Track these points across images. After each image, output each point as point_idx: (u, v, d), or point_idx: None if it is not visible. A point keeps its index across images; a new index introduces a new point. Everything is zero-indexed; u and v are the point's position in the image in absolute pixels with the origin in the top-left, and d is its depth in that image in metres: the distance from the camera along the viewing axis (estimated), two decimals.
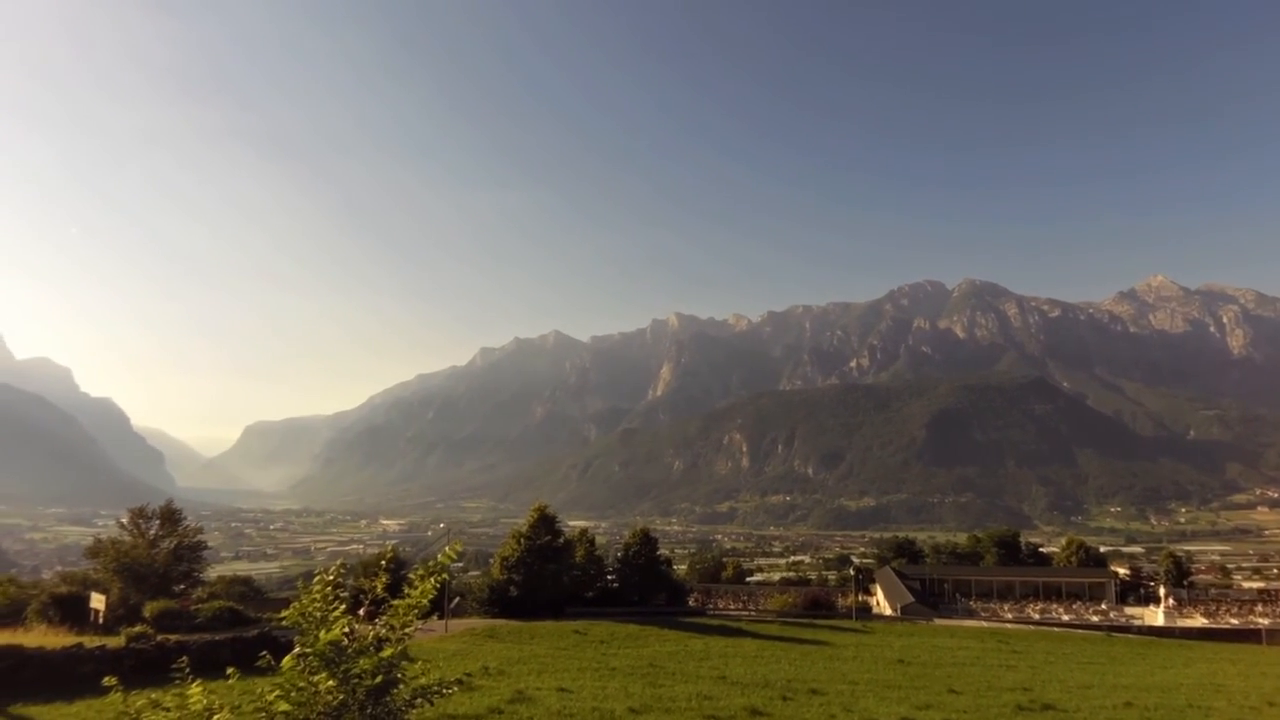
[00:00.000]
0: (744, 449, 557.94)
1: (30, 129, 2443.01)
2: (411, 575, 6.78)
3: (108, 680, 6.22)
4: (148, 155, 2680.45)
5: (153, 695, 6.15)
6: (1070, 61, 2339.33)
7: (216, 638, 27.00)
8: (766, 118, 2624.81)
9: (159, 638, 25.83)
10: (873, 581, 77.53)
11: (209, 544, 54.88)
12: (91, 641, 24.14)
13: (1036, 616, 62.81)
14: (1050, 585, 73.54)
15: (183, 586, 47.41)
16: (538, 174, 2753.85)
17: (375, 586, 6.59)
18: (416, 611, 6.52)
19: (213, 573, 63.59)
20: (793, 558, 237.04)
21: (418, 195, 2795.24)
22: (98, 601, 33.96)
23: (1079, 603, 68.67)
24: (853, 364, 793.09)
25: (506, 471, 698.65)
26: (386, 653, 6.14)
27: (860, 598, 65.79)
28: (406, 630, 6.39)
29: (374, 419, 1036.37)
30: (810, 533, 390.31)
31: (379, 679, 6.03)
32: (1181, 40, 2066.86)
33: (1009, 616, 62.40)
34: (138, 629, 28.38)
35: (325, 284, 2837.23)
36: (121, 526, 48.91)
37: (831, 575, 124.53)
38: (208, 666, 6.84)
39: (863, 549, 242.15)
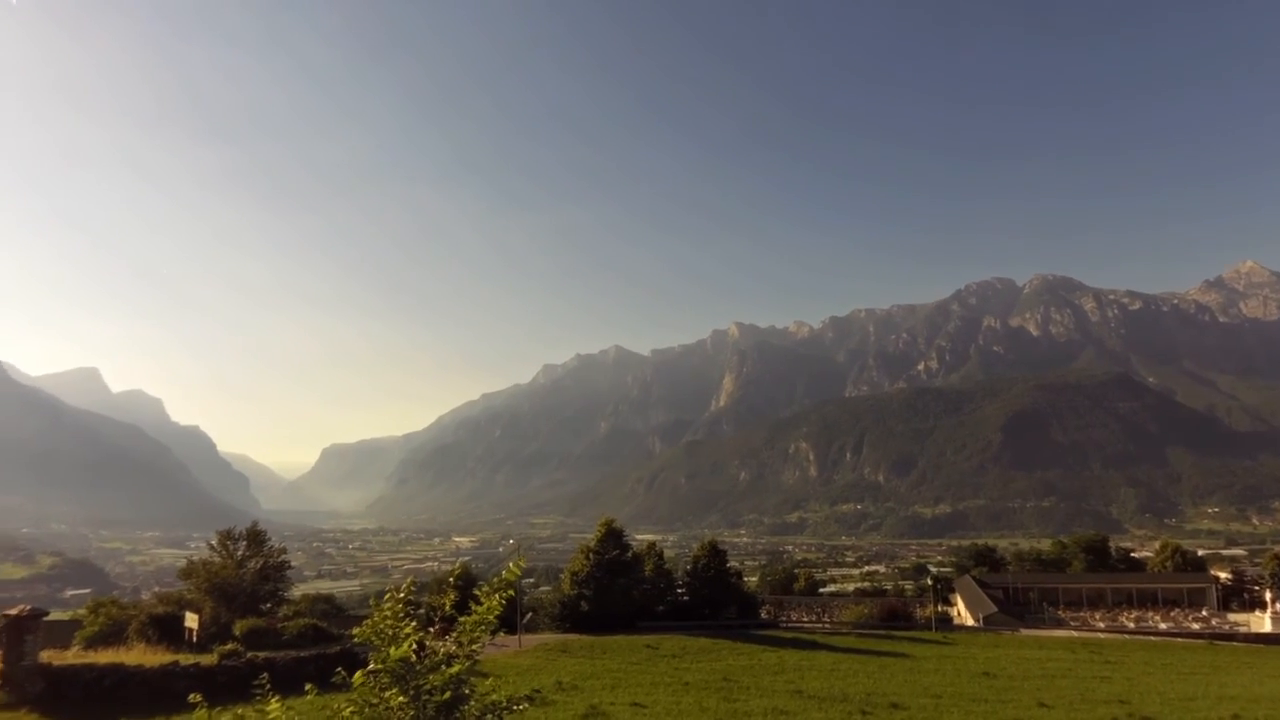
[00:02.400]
0: (811, 457, 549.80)
1: (138, 177, 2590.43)
2: (478, 592, 6.85)
3: (193, 697, 6.48)
4: (225, 196, 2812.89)
5: (239, 711, 6.35)
6: (1150, 56, 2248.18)
7: (302, 654, 27.79)
8: (824, 112, 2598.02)
9: (249, 655, 26.73)
10: (952, 591, 75.26)
11: (292, 563, 56.62)
12: (187, 659, 25.12)
13: (1131, 625, 59.88)
14: (1145, 592, 70.00)
15: (269, 605, 49.00)
16: (594, 189, 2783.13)
17: (444, 603, 6.69)
18: (484, 627, 6.58)
19: (297, 591, 65.60)
20: (867, 568, 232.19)
21: (477, 217, 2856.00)
22: (191, 620, 35.30)
23: (1177, 610, 65.21)
24: (920, 367, 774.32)
25: (573, 487, 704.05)
26: (454, 669, 6.20)
27: (939, 608, 63.93)
28: (474, 646, 6.45)
29: (443, 439, 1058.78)
30: (884, 542, 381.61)
31: (447, 695, 6.09)
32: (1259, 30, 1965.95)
33: (1101, 625, 59.64)
34: (229, 646, 29.41)
35: (391, 309, 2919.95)
36: (211, 548, 50.90)
37: (908, 585, 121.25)
38: (294, 682, 7.06)
39: (940, 557, 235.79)
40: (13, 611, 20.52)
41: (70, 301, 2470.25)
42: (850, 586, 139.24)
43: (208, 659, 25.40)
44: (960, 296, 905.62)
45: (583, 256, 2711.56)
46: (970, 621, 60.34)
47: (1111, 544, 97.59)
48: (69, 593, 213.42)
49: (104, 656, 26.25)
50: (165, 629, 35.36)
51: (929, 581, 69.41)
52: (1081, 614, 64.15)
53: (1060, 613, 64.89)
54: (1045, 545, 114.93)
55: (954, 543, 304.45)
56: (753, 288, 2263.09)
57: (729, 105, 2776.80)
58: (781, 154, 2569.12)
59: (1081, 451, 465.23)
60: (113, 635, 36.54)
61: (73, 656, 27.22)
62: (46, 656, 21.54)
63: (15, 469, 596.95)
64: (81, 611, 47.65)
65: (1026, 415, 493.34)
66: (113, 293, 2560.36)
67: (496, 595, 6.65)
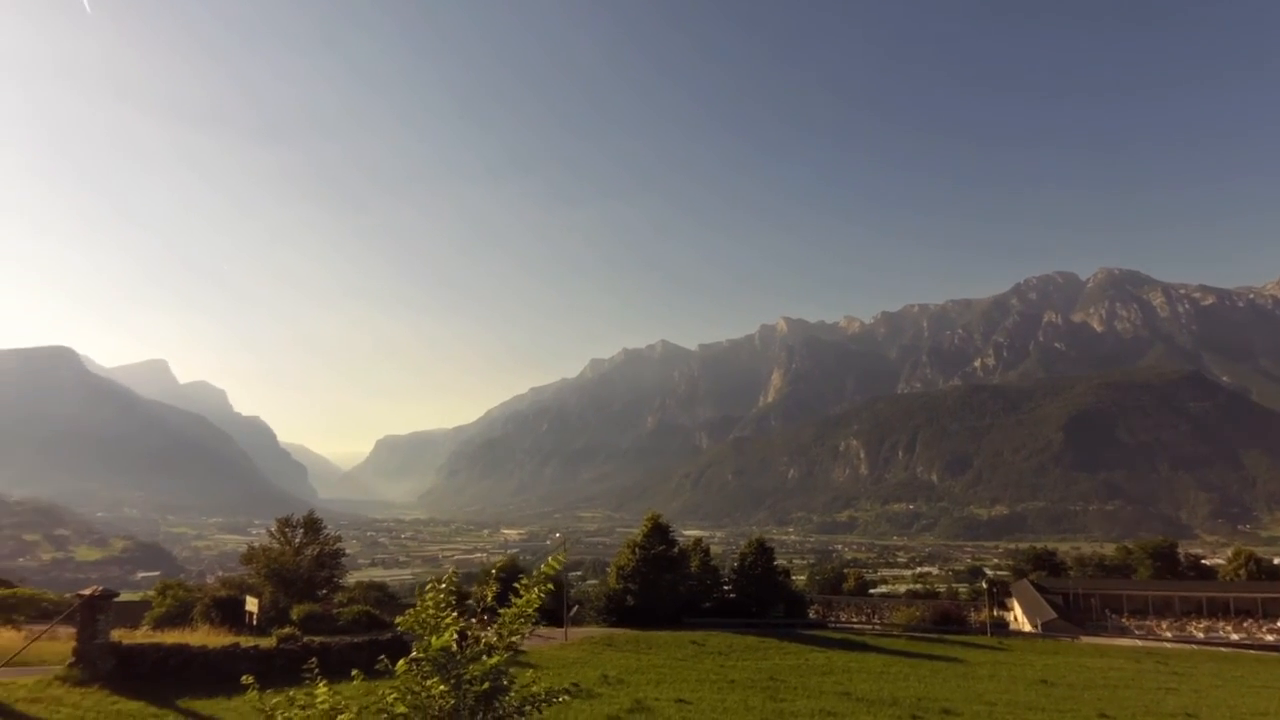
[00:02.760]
0: (862, 455, 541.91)
1: (197, 177, 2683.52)
2: (517, 585, 6.90)
3: (245, 679, 6.70)
4: (281, 195, 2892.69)
5: (290, 693, 6.51)
6: (1227, 40, 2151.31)
7: (355, 640, 28.45)
8: (876, 105, 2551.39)
9: (305, 639, 27.48)
10: (1009, 595, 73.38)
11: (347, 551, 58.12)
12: (247, 641, 25.93)
13: (1200, 635, 57.56)
14: (1216, 601, 67.04)
15: (325, 591, 50.38)
16: (640, 186, 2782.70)
17: (486, 595, 6.76)
18: (524, 620, 6.62)
19: (351, 579, 67.23)
20: (919, 569, 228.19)
21: (525, 214, 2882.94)
22: (251, 604, 36.47)
23: (1250, 620, 62.36)
24: (977, 363, 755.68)
25: (620, 481, 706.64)
26: (493, 660, 6.25)
27: (995, 612, 62.40)
28: (514, 638, 6.50)
29: (492, 432, 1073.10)
30: (937, 543, 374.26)
31: (486, 685, 6.15)
32: None
33: (1168, 635, 57.48)
34: (286, 630, 30.31)
35: (442, 305, 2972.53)
36: (270, 535, 52.52)
37: (962, 588, 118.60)
38: (348, 667, 7.24)
39: (996, 560, 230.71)
40: (86, 592, 21.44)
41: (139, 297, 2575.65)
42: (901, 588, 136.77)
43: (266, 642, 26.18)
44: (1019, 291, 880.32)
45: (630, 252, 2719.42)
46: (1027, 627, 58.82)
47: (1180, 550, 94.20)
48: (139, 575, 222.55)
49: (170, 637, 27.29)
50: (227, 612, 36.63)
51: (984, 585, 67.96)
52: (1147, 623, 61.90)
53: (1124, 621, 62.72)
54: (1109, 550, 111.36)
55: (1011, 546, 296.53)
56: (802, 283, 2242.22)
57: (777, 100, 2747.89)
58: (830, 148, 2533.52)
59: (1149, 453, 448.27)
60: (179, 616, 38.01)
61: (141, 636, 28.35)
62: (117, 635, 22.45)
63: (91, 455, 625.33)
64: (150, 593, 49.65)
65: (1090, 414, 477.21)
66: (175, 289, 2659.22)
67: (536, 589, 6.69)
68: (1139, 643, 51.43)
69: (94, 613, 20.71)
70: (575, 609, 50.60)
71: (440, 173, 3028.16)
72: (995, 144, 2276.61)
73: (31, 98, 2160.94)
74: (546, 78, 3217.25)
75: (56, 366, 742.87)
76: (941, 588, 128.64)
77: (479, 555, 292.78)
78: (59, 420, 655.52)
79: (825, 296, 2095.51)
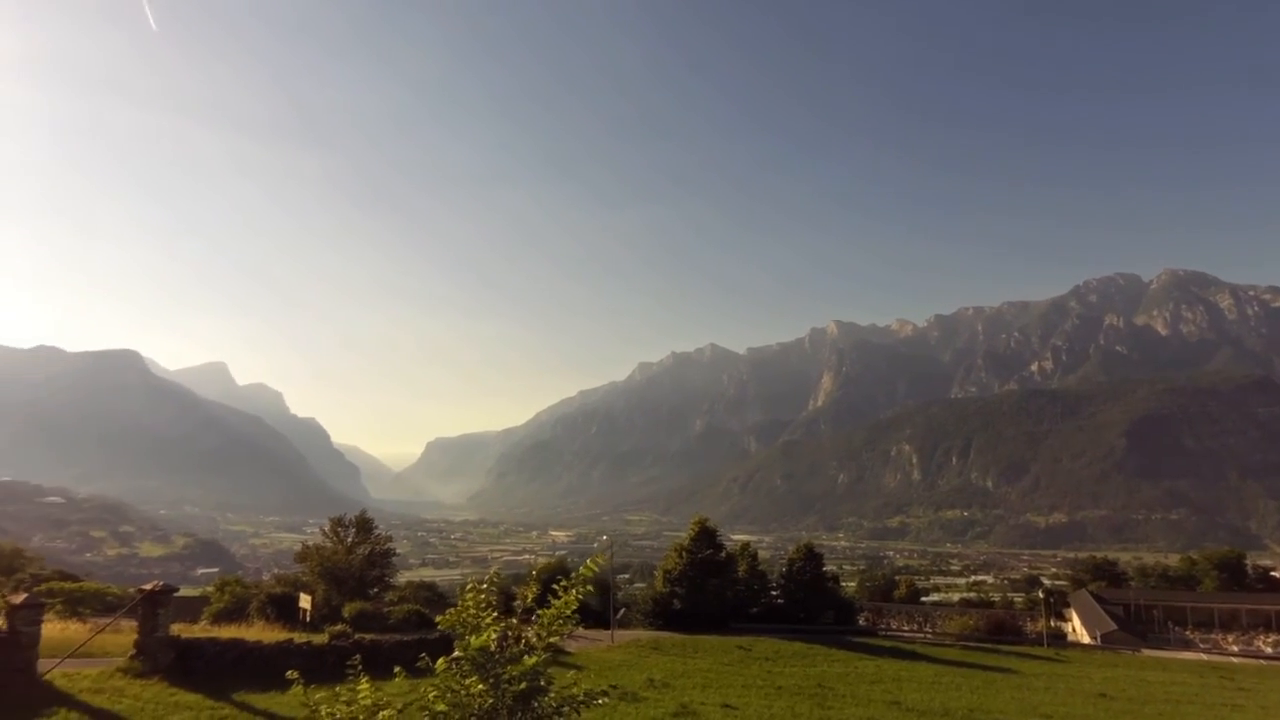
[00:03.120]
0: (914, 460, 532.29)
1: (249, 183, 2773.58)
2: (556, 586, 6.92)
3: (291, 674, 6.84)
4: (329, 200, 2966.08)
5: (336, 689, 6.64)
6: None
7: (405, 638, 28.95)
8: (925, 103, 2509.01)
9: (356, 636, 28.06)
10: (1067, 606, 71.39)
11: (398, 551, 59.09)
12: (300, 638, 26.56)
13: (1269, 650, 55.13)
14: None
15: (376, 590, 51.32)
16: (688, 187, 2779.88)
17: (526, 596, 6.80)
18: (562, 621, 6.64)
19: (402, 578, 68.39)
20: (973, 577, 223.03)
21: (574, 217, 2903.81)
22: (305, 601, 37.30)
23: None
24: (1034, 367, 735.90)
25: (668, 484, 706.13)
26: (531, 661, 6.28)
27: (1052, 623, 60.72)
28: (553, 639, 6.52)
29: (540, 434, 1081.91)
30: (992, 551, 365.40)
31: (524, 685, 6.18)
32: None
33: (1234, 649, 55.20)
34: (338, 628, 30.95)
35: (492, 309, 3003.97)
36: (324, 534, 53.74)
37: (1018, 598, 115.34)
38: (397, 664, 7.35)
39: (1054, 570, 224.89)
40: (148, 587, 22.20)
41: (199, 302, 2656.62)
42: (955, 596, 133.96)
43: (319, 638, 26.76)
44: (1079, 293, 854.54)
45: (677, 255, 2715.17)
46: (1086, 639, 57.09)
47: (1248, 561, 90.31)
48: (199, 571, 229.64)
49: (227, 632, 28.09)
50: (282, 608, 37.57)
51: (1041, 594, 66.06)
52: (1212, 636, 59.57)
53: (1188, 634, 60.48)
54: (1173, 561, 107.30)
55: (1069, 555, 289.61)
56: (853, 286, 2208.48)
57: (823, 103, 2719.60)
58: (877, 151, 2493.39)
59: (1216, 460, 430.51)
60: (236, 612, 39.13)
61: (200, 630, 29.24)
62: (177, 630, 23.20)
63: (154, 455, 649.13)
64: (209, 589, 51.17)
65: (1154, 420, 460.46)
66: (234, 294, 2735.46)
67: (574, 590, 6.70)
68: (1203, 656, 49.51)
69: (154, 607, 21.42)
70: (622, 612, 50.70)
71: (487, 177, 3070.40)
72: (1051, 144, 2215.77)
73: (94, 112, 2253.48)
74: (589, 80, 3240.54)
75: (122, 369, 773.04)
76: (996, 597, 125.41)
77: (527, 556, 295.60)
78: (124, 420, 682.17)
79: (877, 300, 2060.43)
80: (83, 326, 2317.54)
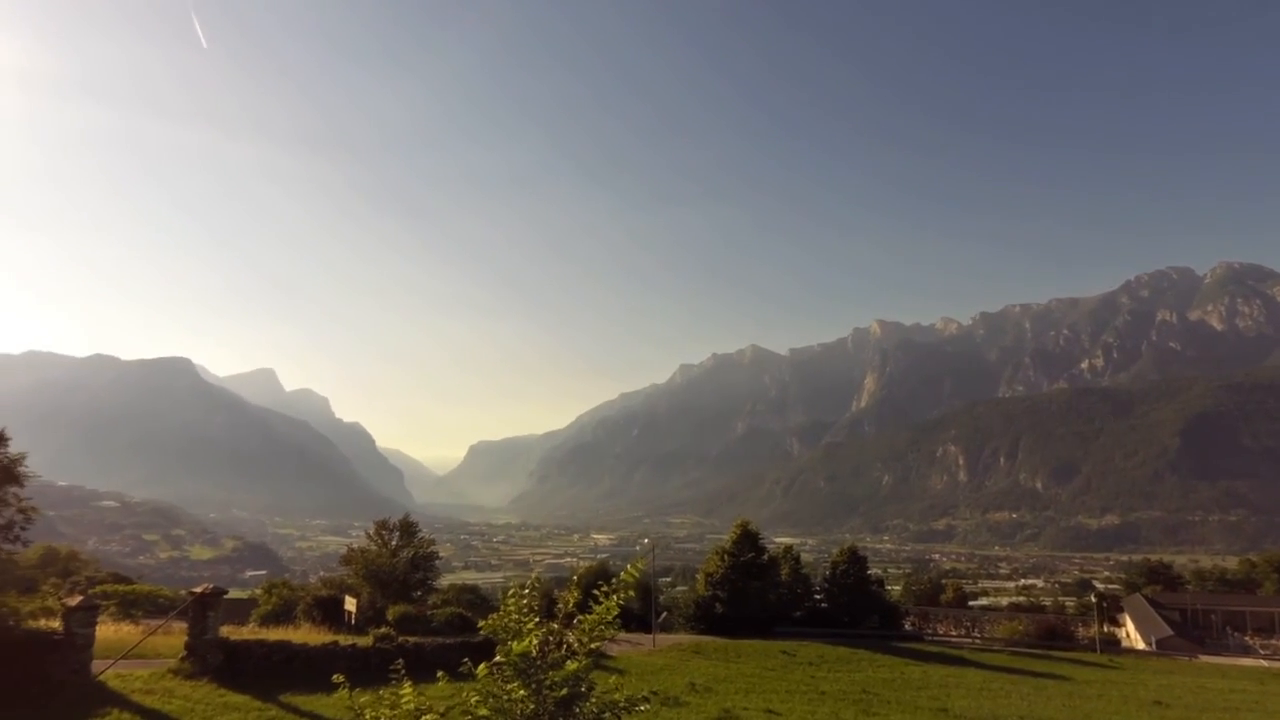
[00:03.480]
0: (960, 461, 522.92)
1: (290, 197, 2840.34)
2: (597, 591, 6.86)
3: (336, 677, 6.89)
4: (377, 209, 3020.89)
5: (380, 692, 6.66)
6: None
7: (448, 642, 29.20)
8: (967, 101, 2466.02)
9: (400, 639, 28.37)
10: (1120, 610, 69.38)
11: (441, 554, 59.55)
12: (345, 640, 26.95)
13: None
14: None
15: (419, 593, 51.78)
16: (727, 189, 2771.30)
17: (568, 601, 6.75)
18: (603, 627, 6.57)
19: (445, 581, 69.03)
20: (1022, 581, 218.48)
21: (613, 219, 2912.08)
22: (350, 604, 37.90)
23: None
24: (1084, 365, 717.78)
25: (710, 487, 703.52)
26: (573, 666, 6.25)
27: (1105, 628, 59.07)
28: (594, 645, 6.46)
29: (582, 437, 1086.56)
30: (1042, 554, 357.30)
31: (565, 691, 6.16)
32: None
33: None
34: (382, 630, 31.30)
35: (529, 313, 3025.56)
36: (368, 537, 54.42)
37: (1069, 602, 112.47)
38: (440, 668, 7.40)
39: (1107, 573, 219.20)
40: (198, 590, 22.73)
41: (248, 310, 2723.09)
42: (1003, 600, 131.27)
43: (364, 641, 27.13)
44: (1130, 288, 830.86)
45: (718, 258, 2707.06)
46: (1140, 644, 55.45)
47: None
48: (248, 573, 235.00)
49: (274, 634, 28.65)
50: (327, 611, 38.17)
51: (1093, 599, 64.25)
52: (1273, 642, 57.34)
53: (1248, 639, 58.33)
54: (1231, 564, 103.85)
55: (1123, 558, 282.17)
56: (896, 285, 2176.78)
57: (859, 107, 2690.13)
58: (921, 154, 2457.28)
59: (1276, 459, 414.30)
60: (283, 614, 39.86)
61: (248, 632, 29.85)
62: (226, 631, 23.72)
63: (206, 459, 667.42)
64: (257, 591, 52.28)
65: (1210, 418, 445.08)
66: (281, 303, 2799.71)
67: (615, 596, 6.65)
68: (1264, 663, 47.72)
69: (204, 609, 21.89)
70: (664, 615, 50.49)
71: (523, 185, 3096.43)
72: (1098, 141, 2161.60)
73: (131, 128, 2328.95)
74: (617, 81, 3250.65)
75: (175, 376, 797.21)
76: (1047, 601, 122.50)
77: (569, 559, 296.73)
78: (176, 426, 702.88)
79: (921, 299, 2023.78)
80: (136, 334, 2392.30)
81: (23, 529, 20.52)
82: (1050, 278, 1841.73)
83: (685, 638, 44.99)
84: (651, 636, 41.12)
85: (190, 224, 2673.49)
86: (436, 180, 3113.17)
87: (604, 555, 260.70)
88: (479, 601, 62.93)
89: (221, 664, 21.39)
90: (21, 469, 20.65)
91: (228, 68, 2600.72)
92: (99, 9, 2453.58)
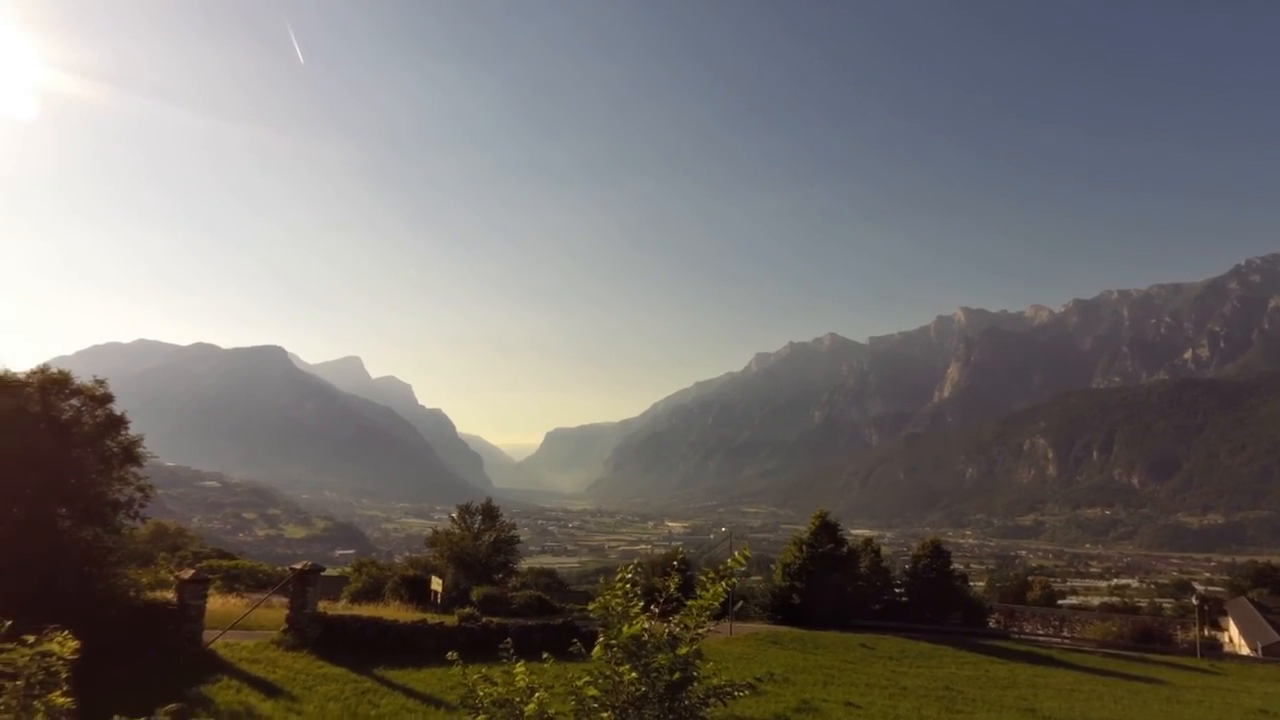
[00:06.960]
0: (1049, 455, 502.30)
1: (370, 189, 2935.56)
2: (702, 578, 6.98)
3: (451, 655, 7.28)
4: (456, 198, 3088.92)
5: (484, 670, 6.98)
6: None
7: (529, 623, 30.02)
8: (1057, 73, 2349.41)
9: (484, 619, 29.31)
10: (1223, 614, 65.70)
11: (520, 538, 60.93)
12: (432, 618, 27.99)
13: None
14: None
15: (500, 575, 53.20)
16: (806, 174, 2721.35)
17: (669, 586, 6.88)
18: (708, 613, 6.69)
19: (524, 564, 70.62)
20: (1115, 581, 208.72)
21: (692, 206, 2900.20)
22: (436, 584, 39.16)
23: None
24: (1187, 355, 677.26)
25: (785, 477, 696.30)
26: (682, 650, 6.34)
27: (1206, 632, 56.01)
28: (700, 631, 6.59)
29: (657, 426, 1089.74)
30: (1137, 553, 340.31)
31: (675, 675, 6.25)
32: None
33: None
34: (467, 610, 32.35)
35: (605, 302, 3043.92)
36: (452, 520, 56.21)
37: (1167, 604, 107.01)
38: (522, 648, 7.67)
39: (1208, 575, 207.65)
40: (299, 566, 23.99)
41: (337, 301, 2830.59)
42: (1095, 600, 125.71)
43: (449, 620, 28.12)
44: (1240, 273, 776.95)
45: (795, 245, 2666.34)
46: (1245, 650, 52.49)
47: None
48: (338, 552, 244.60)
49: (365, 610, 29.95)
50: (414, 590, 39.58)
51: (1194, 600, 61.06)
52: None
53: None
54: None
55: (1226, 559, 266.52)
56: (982, 270, 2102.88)
57: (949, 85, 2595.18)
58: (1013, 128, 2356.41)
59: None
60: (372, 592, 41.55)
61: (341, 608, 31.29)
62: (322, 607, 24.94)
63: (298, 443, 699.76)
64: (348, 569, 54.55)
65: None
66: (369, 291, 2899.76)
67: (722, 583, 6.75)
68: None
69: (304, 585, 23.09)
70: (740, 604, 50.47)
71: (600, 168, 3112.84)
72: (1207, 108, 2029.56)
73: (242, 135, 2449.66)
74: (699, 67, 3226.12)
75: (269, 364, 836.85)
76: (1142, 602, 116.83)
77: (643, 546, 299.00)
78: (271, 411, 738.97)
79: (1008, 285, 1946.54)
80: (234, 324, 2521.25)
81: (141, 506, 21.87)
82: (1150, 262, 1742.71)
83: (762, 627, 44.90)
84: (728, 624, 41.17)
85: (281, 219, 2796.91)
86: (513, 171, 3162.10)
87: (677, 543, 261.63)
88: (556, 585, 64.21)
89: (320, 637, 22.54)
90: (140, 450, 22.01)
91: (324, 77, 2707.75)
92: (218, 22, 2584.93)
